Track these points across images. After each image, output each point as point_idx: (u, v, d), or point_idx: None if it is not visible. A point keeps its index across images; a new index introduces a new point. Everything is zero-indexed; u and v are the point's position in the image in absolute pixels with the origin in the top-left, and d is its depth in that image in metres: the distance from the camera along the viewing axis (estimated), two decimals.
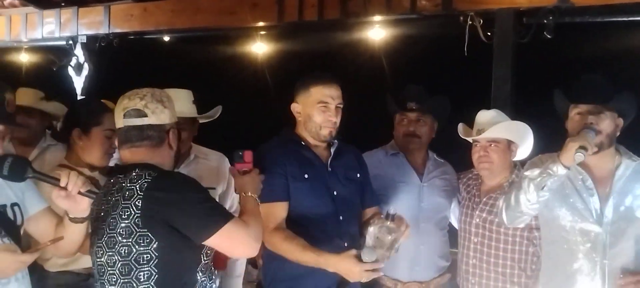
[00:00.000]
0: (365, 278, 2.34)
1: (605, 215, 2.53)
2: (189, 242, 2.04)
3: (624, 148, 2.66)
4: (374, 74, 5.15)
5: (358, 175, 2.79)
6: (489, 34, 4.06)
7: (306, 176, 2.62)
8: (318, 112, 2.62)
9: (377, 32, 4.79)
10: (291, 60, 5.62)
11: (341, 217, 2.61)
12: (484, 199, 3.09)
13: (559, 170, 2.41)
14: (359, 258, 2.32)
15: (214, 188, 3.16)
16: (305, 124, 2.67)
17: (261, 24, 5.07)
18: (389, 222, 2.33)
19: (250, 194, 2.33)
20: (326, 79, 2.65)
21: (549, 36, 3.83)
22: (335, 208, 2.61)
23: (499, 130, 3.02)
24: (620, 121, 2.57)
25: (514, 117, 3.27)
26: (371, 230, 2.31)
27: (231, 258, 3.29)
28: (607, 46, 4.65)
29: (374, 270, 2.33)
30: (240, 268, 3.40)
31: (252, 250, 2.16)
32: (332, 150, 2.74)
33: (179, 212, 2.01)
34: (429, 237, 3.18)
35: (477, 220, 3.07)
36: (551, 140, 2.97)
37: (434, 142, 3.36)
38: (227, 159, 3.30)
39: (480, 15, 4.05)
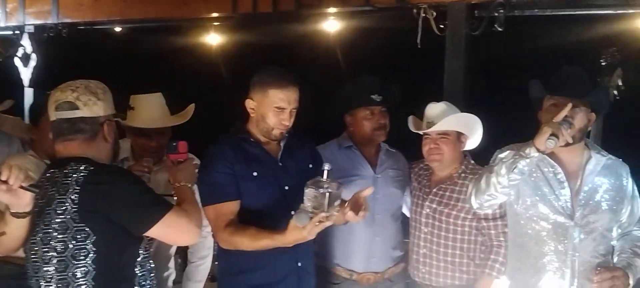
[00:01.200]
0: (313, 235, 2.31)
1: (576, 209, 2.57)
2: (128, 235, 2.02)
3: (592, 143, 2.71)
4: (329, 65, 5.14)
5: (310, 166, 2.79)
6: (442, 26, 4.09)
7: (255, 174, 2.60)
8: (273, 114, 2.60)
9: (331, 24, 4.78)
10: (246, 51, 5.56)
11: (292, 212, 2.59)
12: (434, 190, 3.13)
13: (531, 152, 2.40)
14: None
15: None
16: (257, 122, 2.66)
17: (215, 14, 5.01)
18: (324, 181, 2.29)
19: (183, 183, 2.35)
20: (285, 82, 2.60)
21: (499, 29, 3.88)
22: (286, 203, 2.59)
23: (449, 123, 3.05)
24: (593, 116, 2.60)
25: (466, 108, 3.31)
26: (306, 192, 2.27)
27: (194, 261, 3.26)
28: (558, 39, 4.74)
29: (320, 223, 2.28)
30: (202, 274, 3.34)
31: (195, 237, 2.18)
32: (283, 144, 2.73)
33: (118, 204, 1.99)
34: (384, 228, 3.20)
35: (428, 210, 3.11)
36: (503, 131, 3.02)
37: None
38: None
39: (433, 7, 4.07)
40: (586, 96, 2.53)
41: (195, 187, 2.55)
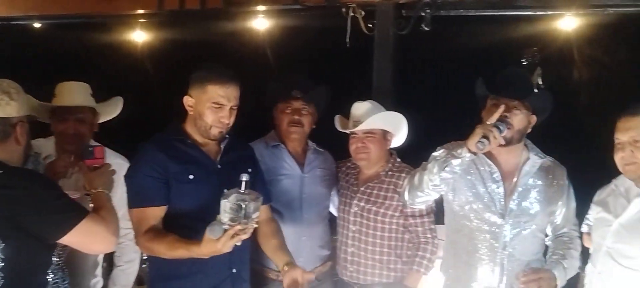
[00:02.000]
0: (228, 248, 2.24)
1: (509, 208, 2.60)
2: (39, 242, 1.92)
3: (532, 144, 2.76)
4: (258, 64, 5.09)
5: (250, 170, 2.70)
6: (371, 25, 4.11)
7: (191, 177, 2.52)
8: (211, 111, 2.52)
9: (260, 22, 4.74)
10: (173, 49, 5.43)
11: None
12: (362, 188, 3.15)
13: (463, 152, 2.43)
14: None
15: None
16: (195, 121, 2.58)
17: (140, 11, 4.87)
18: (242, 193, 2.23)
19: (100, 190, 2.26)
20: (224, 78, 2.52)
21: (426, 29, 3.94)
22: None
23: (374, 122, 3.07)
24: (534, 118, 2.65)
25: (394, 107, 3.34)
26: (223, 203, 2.20)
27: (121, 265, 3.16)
28: (482, 39, 4.85)
29: (235, 236, 2.22)
30: (128, 278, 3.22)
31: (111, 246, 2.12)
32: (222, 146, 2.66)
33: (30, 210, 1.89)
34: (311, 228, 3.19)
35: (356, 209, 3.13)
36: (430, 130, 3.06)
37: (314, 130, 3.36)
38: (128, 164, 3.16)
39: (362, 7, 4.10)
40: (526, 98, 2.56)
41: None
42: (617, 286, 2.40)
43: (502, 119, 2.45)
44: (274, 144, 3.25)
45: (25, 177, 2.00)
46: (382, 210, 3.06)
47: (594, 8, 4.23)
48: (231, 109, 2.56)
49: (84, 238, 2.00)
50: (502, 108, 2.41)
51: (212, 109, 2.51)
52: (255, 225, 2.31)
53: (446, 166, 2.46)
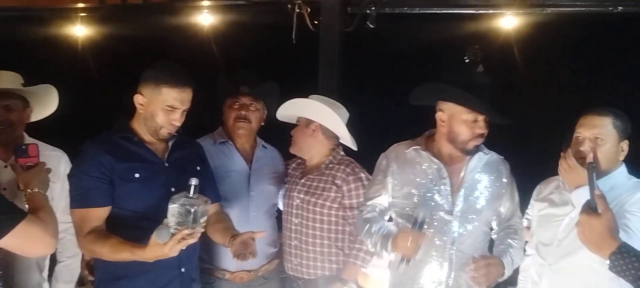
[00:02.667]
0: (174, 252, 2.21)
1: (456, 204, 2.63)
2: None
3: None
4: (203, 60, 5.01)
5: (198, 168, 2.69)
6: (316, 22, 4.12)
7: (137, 175, 2.47)
8: (163, 113, 2.47)
9: (205, 17, 4.67)
10: (115, 44, 5.29)
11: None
12: (302, 180, 3.16)
13: (384, 254, 2.64)
14: None
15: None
16: (145, 120, 2.51)
17: (81, 5, 4.74)
18: (190, 197, 2.20)
19: (36, 190, 2.18)
20: (180, 82, 2.46)
21: (371, 26, 3.97)
22: None
23: (284, 109, 3.21)
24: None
25: (340, 103, 3.34)
26: (171, 207, 2.17)
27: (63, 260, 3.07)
28: (427, 36, 4.92)
29: (182, 240, 2.20)
30: (71, 274, 3.12)
31: (50, 248, 2.03)
32: (170, 144, 2.61)
33: None
34: (259, 225, 3.15)
35: (297, 201, 3.14)
36: (376, 126, 3.08)
37: (264, 128, 3.34)
38: (66, 157, 3.07)
39: (308, 3, 4.10)
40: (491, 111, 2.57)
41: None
42: (570, 278, 2.46)
43: (416, 222, 2.48)
44: (221, 140, 3.21)
45: None
46: (320, 202, 3.07)
47: (533, 7, 4.35)
48: (183, 111, 2.52)
49: (22, 241, 1.91)
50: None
51: (165, 111, 2.46)
52: (203, 230, 2.28)
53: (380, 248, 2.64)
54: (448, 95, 2.57)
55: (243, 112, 3.16)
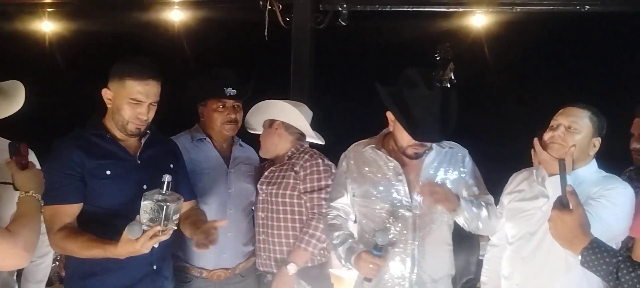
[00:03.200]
0: (146, 249, 2.19)
1: (415, 200, 2.64)
2: None
3: None
4: (175, 56, 4.97)
5: (171, 165, 2.65)
6: (288, 19, 4.11)
7: (108, 172, 2.43)
8: (129, 107, 2.43)
9: (176, 13, 4.63)
10: (85, 41, 5.21)
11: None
12: (266, 173, 3.16)
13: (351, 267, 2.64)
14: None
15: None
16: (113, 114, 2.49)
17: (48, 0, 4.66)
18: (163, 194, 2.18)
19: (32, 193, 2.09)
20: (144, 74, 2.42)
21: (343, 23, 3.98)
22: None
23: (249, 122, 3.29)
24: None
25: (312, 101, 3.35)
26: (143, 204, 2.15)
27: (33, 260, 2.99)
28: (398, 34, 4.94)
29: (154, 237, 2.18)
30: (42, 273, 3.06)
31: (21, 262, 1.94)
32: (143, 141, 2.58)
33: None
34: (236, 224, 3.14)
35: (263, 195, 3.13)
36: (350, 124, 3.08)
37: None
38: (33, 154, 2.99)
39: (279, 0, 4.09)
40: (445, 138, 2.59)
41: None
42: (544, 270, 2.49)
43: (376, 247, 2.50)
44: (199, 137, 3.18)
45: None
46: (281, 191, 3.07)
47: (503, 6, 4.41)
48: (150, 105, 2.47)
49: None
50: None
51: (130, 104, 2.43)
52: (175, 227, 2.26)
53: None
54: (390, 109, 2.59)
55: (233, 115, 3.16)
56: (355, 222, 2.87)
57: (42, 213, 2.33)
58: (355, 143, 2.84)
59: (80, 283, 2.49)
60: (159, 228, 2.15)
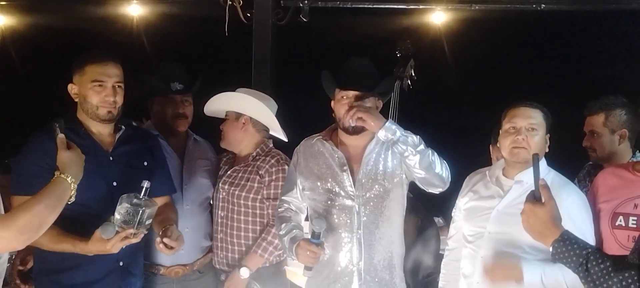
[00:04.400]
0: (115, 249, 2.28)
1: (357, 189, 2.68)
2: None
3: None
4: (134, 52, 4.88)
5: (145, 163, 2.65)
6: (249, 15, 4.09)
7: None
8: (93, 92, 2.46)
9: (134, 8, 4.56)
10: (39, 35, 5.08)
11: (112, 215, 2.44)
12: (229, 172, 3.14)
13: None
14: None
15: None
16: (82, 106, 2.51)
17: None
18: (140, 198, 2.25)
19: (65, 176, 2.12)
20: (102, 57, 2.49)
21: (304, 19, 3.97)
22: (112, 200, 2.41)
23: (212, 104, 3.19)
24: (380, 103, 2.75)
25: (273, 97, 3.33)
26: (119, 206, 2.23)
27: None
28: (360, 31, 4.96)
29: (125, 238, 2.26)
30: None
31: (13, 244, 1.93)
32: (117, 136, 2.58)
33: None
34: (193, 218, 3.13)
35: (223, 193, 3.12)
36: (310, 121, 3.08)
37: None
38: None
39: None
40: (373, 89, 2.67)
41: None
42: (500, 268, 2.52)
43: (314, 234, 2.55)
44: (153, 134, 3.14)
45: None
46: (244, 194, 3.06)
47: (462, 4, 4.47)
48: (114, 86, 2.49)
49: None
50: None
51: (93, 89, 2.46)
52: (146, 232, 2.33)
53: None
54: (322, 77, 2.75)
55: (180, 110, 3.14)
56: (306, 219, 2.88)
57: (11, 203, 2.32)
58: (307, 137, 2.87)
59: (48, 279, 2.51)
60: (131, 231, 2.24)
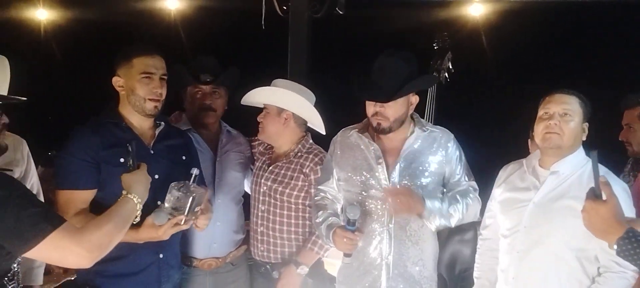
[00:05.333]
0: (166, 236, 2.32)
1: (392, 182, 2.66)
2: (3, 249, 1.74)
3: (419, 117, 2.81)
4: (171, 45, 4.94)
5: (184, 157, 2.67)
6: (285, 8, 4.09)
7: (121, 160, 2.41)
8: (141, 84, 2.46)
9: (172, 2, 4.61)
10: (80, 29, 5.18)
11: (159, 202, 2.47)
12: (271, 168, 3.13)
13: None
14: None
15: (10, 171, 2.82)
16: (128, 98, 2.50)
17: None
18: (191, 186, 2.29)
19: (132, 196, 2.13)
20: (149, 49, 2.49)
21: (340, 12, 3.96)
22: (154, 192, 2.41)
23: (253, 96, 3.12)
24: (415, 98, 2.71)
25: (310, 89, 3.31)
26: (170, 193, 2.27)
27: None
28: (396, 23, 4.94)
29: (176, 225, 2.31)
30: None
31: (82, 261, 1.89)
32: (157, 132, 2.59)
33: (2, 220, 1.69)
34: (226, 213, 3.13)
35: (264, 188, 3.11)
36: (347, 114, 3.07)
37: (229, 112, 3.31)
38: (25, 142, 3.00)
39: None
40: (391, 99, 2.60)
41: None
42: (538, 266, 2.48)
43: (349, 222, 2.55)
44: (185, 128, 3.16)
45: (2, 184, 1.76)
46: (288, 191, 3.05)
47: None
48: (161, 78, 2.50)
49: (50, 253, 1.79)
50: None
51: (142, 81, 2.45)
52: (195, 219, 2.37)
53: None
54: (352, 79, 2.71)
55: (207, 102, 3.13)
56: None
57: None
58: (344, 128, 2.87)
59: (91, 269, 2.48)
60: (182, 218, 2.27)
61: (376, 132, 2.69)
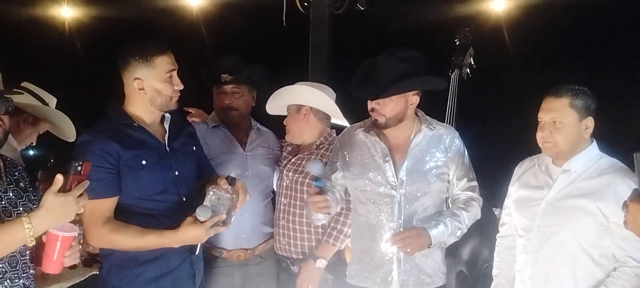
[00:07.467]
0: (207, 235, 2.31)
1: (400, 179, 2.67)
2: None
3: (425, 114, 2.81)
4: (193, 43, 4.98)
5: (194, 148, 2.68)
6: (306, 4, 4.10)
7: (144, 162, 2.41)
8: (167, 84, 2.42)
9: None
10: (102, 26, 5.23)
11: (184, 198, 2.49)
12: (293, 160, 3.16)
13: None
14: (196, 220, 2.29)
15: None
16: (152, 100, 2.45)
17: None
18: (228, 187, 2.32)
19: (27, 223, 1.87)
20: (165, 47, 2.44)
21: (361, 8, 3.96)
22: (177, 189, 2.47)
23: (274, 101, 3.17)
24: (415, 98, 2.67)
25: (330, 85, 3.33)
26: (211, 192, 2.29)
27: None
28: (417, 19, 4.92)
29: (216, 226, 2.30)
30: None
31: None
32: (167, 126, 2.57)
33: None
34: (254, 205, 3.15)
35: (286, 181, 3.14)
36: (366, 107, 3.08)
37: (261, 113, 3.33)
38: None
39: None
40: (379, 96, 2.59)
41: None
42: (553, 265, 2.47)
43: (316, 178, 2.54)
44: (214, 124, 3.20)
45: None
46: (307, 180, 3.07)
47: None
48: (178, 75, 2.50)
49: None
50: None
51: (167, 81, 2.42)
52: (231, 224, 2.38)
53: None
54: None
55: (227, 101, 3.16)
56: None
57: (82, 209, 2.25)
58: (350, 125, 2.88)
59: (122, 273, 2.48)
60: (224, 216, 2.29)
61: (376, 127, 2.69)
